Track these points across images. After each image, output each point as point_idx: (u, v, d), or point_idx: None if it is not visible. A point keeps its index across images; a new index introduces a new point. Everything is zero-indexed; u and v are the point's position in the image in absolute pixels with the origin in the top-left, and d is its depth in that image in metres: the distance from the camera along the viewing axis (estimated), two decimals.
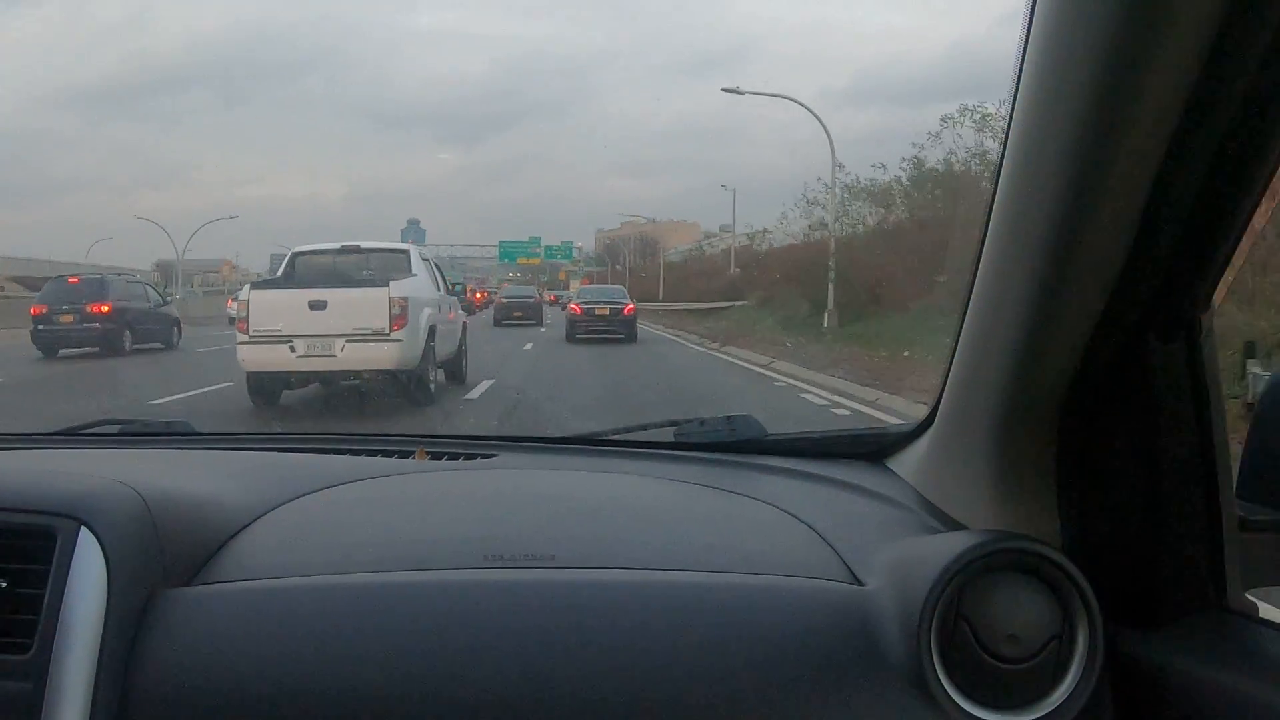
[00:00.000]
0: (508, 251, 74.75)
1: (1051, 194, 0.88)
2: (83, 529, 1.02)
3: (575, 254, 77.28)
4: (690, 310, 37.40)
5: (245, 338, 10.05)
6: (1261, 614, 1.00)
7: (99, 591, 0.99)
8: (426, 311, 10.72)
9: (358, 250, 12.14)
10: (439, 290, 11.94)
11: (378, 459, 1.69)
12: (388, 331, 9.97)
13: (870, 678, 0.99)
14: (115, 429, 1.92)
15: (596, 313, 24.25)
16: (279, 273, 12.18)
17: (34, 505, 1.04)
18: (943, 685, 0.96)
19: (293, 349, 9.89)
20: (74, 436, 1.86)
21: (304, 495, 1.37)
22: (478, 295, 43.01)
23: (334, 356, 9.97)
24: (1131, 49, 0.76)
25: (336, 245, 12.14)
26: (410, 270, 11.37)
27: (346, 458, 1.69)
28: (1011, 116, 0.91)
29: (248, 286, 10.86)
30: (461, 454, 1.74)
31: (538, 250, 74.29)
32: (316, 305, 10.03)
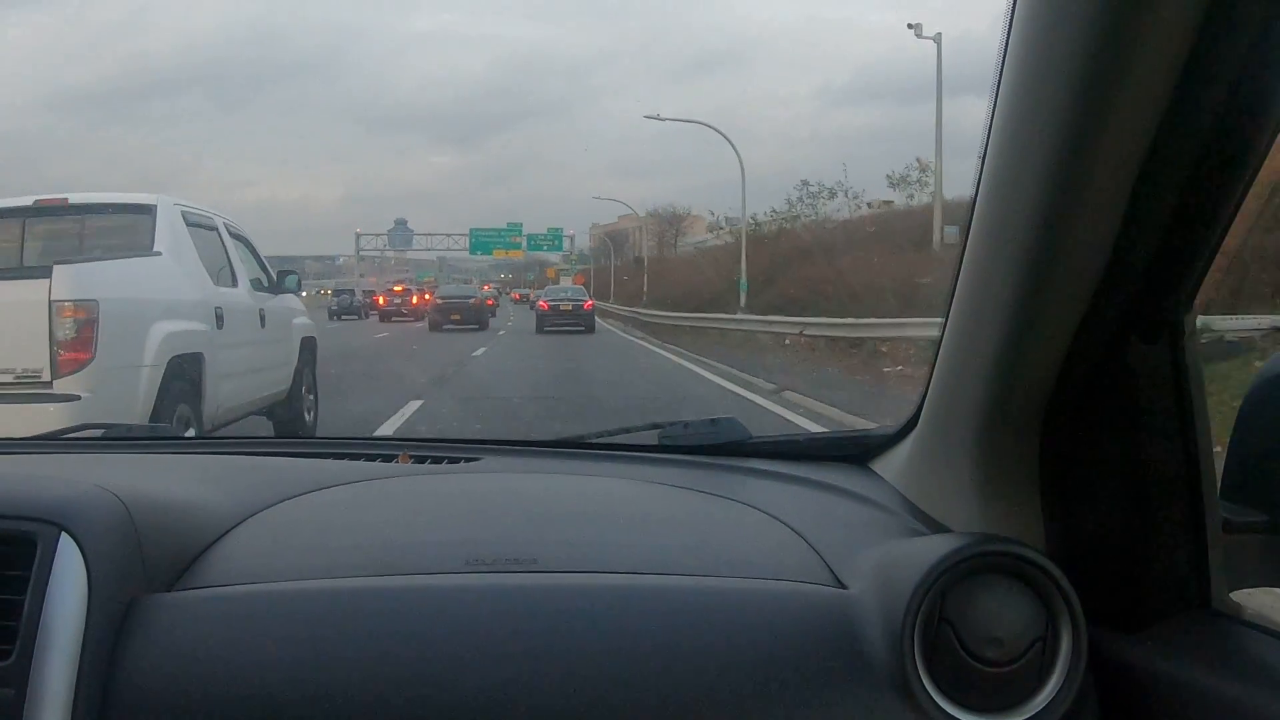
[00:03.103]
0: (480, 242, 59.09)
1: (1033, 195, 0.89)
2: (63, 535, 1.00)
3: (565, 245, 64.98)
4: None
5: None
6: (1246, 616, 1.00)
7: (79, 598, 0.98)
8: (165, 328, 5.73)
9: (65, 208, 6.79)
10: (231, 283, 7.02)
11: (361, 463, 1.67)
12: (48, 377, 5.10)
13: (853, 681, 0.98)
14: (98, 433, 1.90)
15: (561, 308, 30.60)
16: None
17: (13, 511, 1.03)
18: (926, 689, 0.96)
19: None
20: (55, 441, 1.85)
21: (286, 500, 1.36)
22: (426, 296, 41.30)
23: None
24: (1113, 50, 0.76)
25: (28, 200, 6.77)
26: (149, 244, 6.23)
27: (329, 461, 1.68)
28: (992, 117, 0.92)
29: None
30: (445, 457, 1.73)
31: (518, 240, 59.49)
32: None
